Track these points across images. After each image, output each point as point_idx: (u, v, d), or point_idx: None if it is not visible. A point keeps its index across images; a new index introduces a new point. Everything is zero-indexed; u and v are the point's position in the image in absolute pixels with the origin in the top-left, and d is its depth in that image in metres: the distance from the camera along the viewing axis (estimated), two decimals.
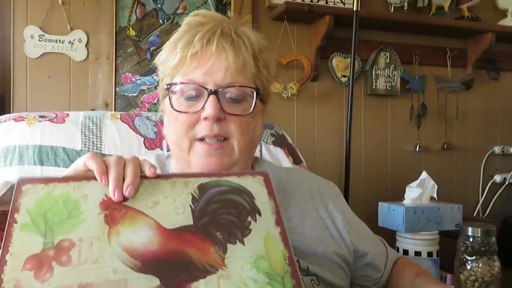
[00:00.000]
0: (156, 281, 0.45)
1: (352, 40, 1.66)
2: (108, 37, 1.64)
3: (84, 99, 1.62)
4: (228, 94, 0.70)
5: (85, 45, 1.62)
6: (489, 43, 1.97)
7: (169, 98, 0.72)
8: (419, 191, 1.48)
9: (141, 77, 1.69)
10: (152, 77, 1.69)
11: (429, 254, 1.42)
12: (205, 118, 0.68)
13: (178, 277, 0.46)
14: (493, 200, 2.14)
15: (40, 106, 1.55)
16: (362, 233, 0.87)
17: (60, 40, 1.59)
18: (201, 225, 0.51)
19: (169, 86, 0.72)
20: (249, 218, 0.53)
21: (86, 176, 0.51)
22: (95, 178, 0.51)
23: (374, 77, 1.93)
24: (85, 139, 1.09)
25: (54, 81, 1.59)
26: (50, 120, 1.12)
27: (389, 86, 1.95)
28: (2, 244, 0.45)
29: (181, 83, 0.71)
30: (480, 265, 1.02)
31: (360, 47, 1.86)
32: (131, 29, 1.67)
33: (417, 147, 2.02)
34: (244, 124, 0.71)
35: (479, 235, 1.02)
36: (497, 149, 2.16)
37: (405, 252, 1.45)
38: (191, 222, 0.51)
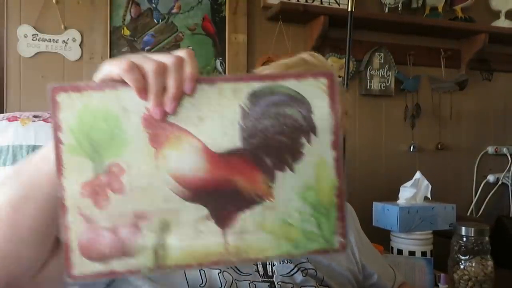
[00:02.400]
0: (204, 211, 0.46)
1: (347, 40, 1.66)
2: (102, 36, 1.63)
3: None
4: None
5: (79, 45, 1.61)
6: (483, 44, 1.98)
7: None
8: (413, 191, 1.49)
9: None
10: None
11: (423, 253, 1.43)
12: None
13: (226, 207, 0.46)
14: (486, 200, 2.16)
15: (34, 106, 1.53)
16: (371, 255, 0.89)
17: (54, 40, 1.58)
18: (250, 149, 0.47)
19: None
20: (303, 139, 0.47)
21: (123, 82, 0.46)
22: None
23: (368, 78, 1.94)
24: None
25: (48, 80, 1.58)
26: (44, 120, 1.12)
27: (383, 87, 1.96)
28: (55, 166, 0.45)
29: None
30: (474, 264, 1.02)
31: (355, 47, 1.86)
32: (125, 28, 1.67)
33: (411, 147, 2.03)
34: None
35: (472, 235, 1.03)
36: (490, 149, 2.17)
37: (399, 251, 1.45)
38: (240, 145, 0.47)
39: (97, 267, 0.45)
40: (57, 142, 0.45)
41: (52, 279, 0.57)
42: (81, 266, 0.44)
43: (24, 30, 1.55)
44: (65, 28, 1.59)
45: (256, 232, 0.47)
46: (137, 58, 0.45)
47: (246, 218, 0.46)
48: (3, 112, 1.46)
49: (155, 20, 1.70)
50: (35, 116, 1.14)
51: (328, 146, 0.48)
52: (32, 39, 1.56)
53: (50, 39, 1.58)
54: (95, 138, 0.45)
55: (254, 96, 0.47)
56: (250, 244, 0.46)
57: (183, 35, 1.73)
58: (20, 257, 0.52)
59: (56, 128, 0.45)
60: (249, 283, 0.67)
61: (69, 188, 0.45)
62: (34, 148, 1.05)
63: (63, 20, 1.58)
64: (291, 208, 0.47)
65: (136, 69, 0.44)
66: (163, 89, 0.45)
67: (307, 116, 0.47)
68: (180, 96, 0.45)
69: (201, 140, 0.46)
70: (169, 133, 0.46)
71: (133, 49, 1.67)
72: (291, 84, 0.47)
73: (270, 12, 1.79)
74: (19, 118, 1.12)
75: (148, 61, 0.45)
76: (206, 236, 0.46)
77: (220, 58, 1.77)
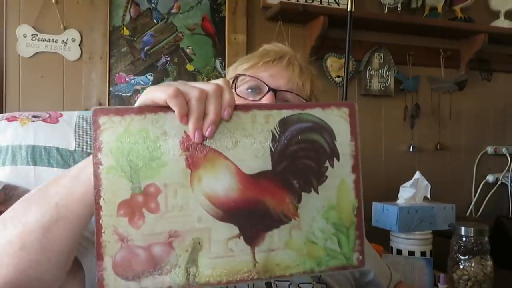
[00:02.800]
0: (235, 230, 0.48)
1: (347, 40, 1.66)
2: (101, 36, 1.63)
3: (77, 99, 1.61)
4: (284, 97, 0.78)
5: (79, 45, 1.61)
6: (482, 44, 1.99)
7: (235, 86, 0.80)
8: (412, 191, 1.49)
9: (135, 77, 1.68)
10: (146, 76, 1.69)
11: (423, 253, 1.43)
12: None
13: (255, 227, 0.49)
14: (485, 200, 2.16)
15: (33, 106, 1.53)
16: (367, 252, 0.89)
17: (53, 40, 1.58)
18: (279, 171, 0.50)
19: (238, 75, 0.81)
20: (327, 163, 0.52)
21: (163, 107, 0.48)
22: (172, 110, 0.48)
23: (368, 78, 1.94)
24: (79, 139, 1.08)
25: (47, 80, 1.58)
26: (43, 120, 1.12)
27: (383, 87, 1.96)
28: (93, 186, 0.46)
29: (249, 75, 0.80)
30: (473, 264, 1.02)
31: (354, 47, 1.86)
32: (125, 28, 1.67)
33: (411, 147, 2.03)
34: None
35: (472, 235, 1.03)
36: (489, 149, 2.17)
37: (399, 251, 1.46)
38: (270, 167, 0.50)
39: (130, 285, 0.46)
40: (97, 163, 0.46)
41: None
42: (115, 284, 0.45)
43: (24, 30, 1.55)
44: (65, 28, 1.59)
45: (283, 250, 0.49)
46: (180, 85, 0.48)
47: (274, 237, 0.49)
48: (2, 112, 1.46)
49: (155, 20, 1.70)
50: (34, 116, 1.14)
51: (349, 169, 0.53)
52: (32, 39, 1.56)
53: (49, 39, 1.58)
54: (134, 159, 0.47)
55: (284, 123, 0.51)
56: (277, 261, 0.49)
57: (182, 35, 1.73)
58: (43, 279, 0.52)
59: (97, 150, 0.47)
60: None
61: (106, 207, 0.46)
62: (33, 148, 1.05)
63: (62, 20, 1.58)
64: (314, 227, 0.50)
65: (181, 95, 0.47)
66: (203, 115, 0.48)
67: (331, 142, 0.52)
68: (218, 121, 0.48)
69: (234, 162, 0.49)
70: (205, 156, 0.48)
71: (133, 49, 1.67)
72: (317, 112, 0.52)
73: (270, 12, 1.79)
74: (18, 118, 1.12)
75: (192, 89, 0.48)
76: (236, 254, 0.48)
77: (220, 58, 1.77)
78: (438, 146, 2.08)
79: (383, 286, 0.87)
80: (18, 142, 1.05)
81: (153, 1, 1.70)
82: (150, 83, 1.69)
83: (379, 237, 1.44)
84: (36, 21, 1.56)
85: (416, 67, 2.04)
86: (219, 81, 0.50)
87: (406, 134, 2.04)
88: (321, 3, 1.84)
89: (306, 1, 1.81)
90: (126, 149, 0.47)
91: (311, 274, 0.51)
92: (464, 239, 1.04)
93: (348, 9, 1.64)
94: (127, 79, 1.67)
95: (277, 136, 0.50)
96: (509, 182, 2.17)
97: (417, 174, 1.51)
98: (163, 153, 0.48)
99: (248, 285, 0.66)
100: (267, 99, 0.75)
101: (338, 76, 1.89)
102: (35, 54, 1.56)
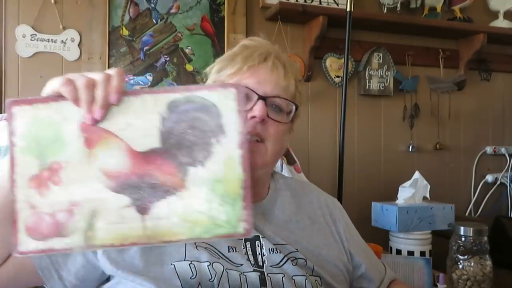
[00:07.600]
0: (127, 200, 0.56)
1: (346, 40, 1.67)
2: (101, 36, 1.63)
3: None
4: (273, 103, 0.79)
5: (78, 45, 1.61)
6: (481, 44, 1.99)
7: None
8: (412, 191, 1.49)
9: (135, 77, 1.68)
10: (145, 77, 1.69)
11: (422, 253, 1.43)
12: (252, 117, 0.75)
13: (145, 197, 0.56)
14: (485, 200, 2.16)
15: None
16: (360, 246, 0.91)
17: (52, 40, 1.58)
18: (167, 148, 0.56)
19: None
20: (213, 140, 0.57)
21: (64, 96, 0.56)
22: None
23: (367, 78, 1.94)
24: None
25: (46, 80, 1.57)
26: None
27: (382, 87, 1.96)
28: (9, 163, 0.55)
29: None
30: (472, 264, 1.03)
31: (354, 47, 1.86)
32: (124, 28, 1.67)
33: (410, 147, 2.04)
34: (280, 131, 0.79)
35: (471, 235, 1.03)
36: (488, 149, 2.18)
37: (398, 251, 1.46)
38: (158, 145, 0.56)
39: (39, 245, 0.55)
40: (12, 144, 0.55)
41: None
42: (26, 244, 0.54)
43: (23, 30, 1.55)
44: (64, 28, 1.59)
45: (171, 218, 0.56)
46: (72, 75, 0.57)
47: (162, 206, 0.56)
48: (1, 112, 1.46)
49: (154, 20, 1.70)
50: None
51: (236, 145, 0.57)
52: (31, 39, 1.55)
53: (48, 39, 1.57)
54: (41, 141, 0.55)
55: (172, 105, 0.57)
56: (165, 228, 0.56)
57: (181, 35, 1.73)
58: None
59: (11, 134, 0.55)
60: (239, 274, 0.68)
61: (19, 181, 0.55)
62: None
63: (61, 20, 1.58)
64: (201, 198, 0.56)
65: (70, 83, 0.55)
66: (93, 100, 0.55)
67: (217, 120, 0.57)
68: (106, 105, 0.55)
69: (125, 141, 0.56)
70: (100, 137, 0.56)
71: (132, 49, 1.67)
72: (204, 94, 0.57)
73: (269, 12, 1.79)
74: None
75: (80, 77, 0.56)
76: (128, 221, 0.56)
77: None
78: (437, 146, 2.08)
79: (374, 281, 0.88)
80: None
81: (152, 1, 1.70)
82: (149, 84, 1.69)
83: (379, 237, 1.44)
84: (35, 21, 1.56)
85: (415, 67, 2.04)
86: (111, 70, 0.57)
87: (405, 134, 2.05)
88: (320, 3, 1.84)
89: (305, 1, 1.81)
90: (34, 133, 0.55)
91: (199, 240, 0.58)
92: (463, 239, 1.04)
93: (347, 9, 1.64)
94: (126, 79, 1.67)
95: (165, 117, 0.56)
96: (508, 182, 2.17)
97: (416, 174, 1.51)
98: (65, 135, 0.56)
99: (240, 276, 0.68)
100: (259, 106, 0.75)
101: (338, 76, 1.89)
102: (34, 54, 1.56)
